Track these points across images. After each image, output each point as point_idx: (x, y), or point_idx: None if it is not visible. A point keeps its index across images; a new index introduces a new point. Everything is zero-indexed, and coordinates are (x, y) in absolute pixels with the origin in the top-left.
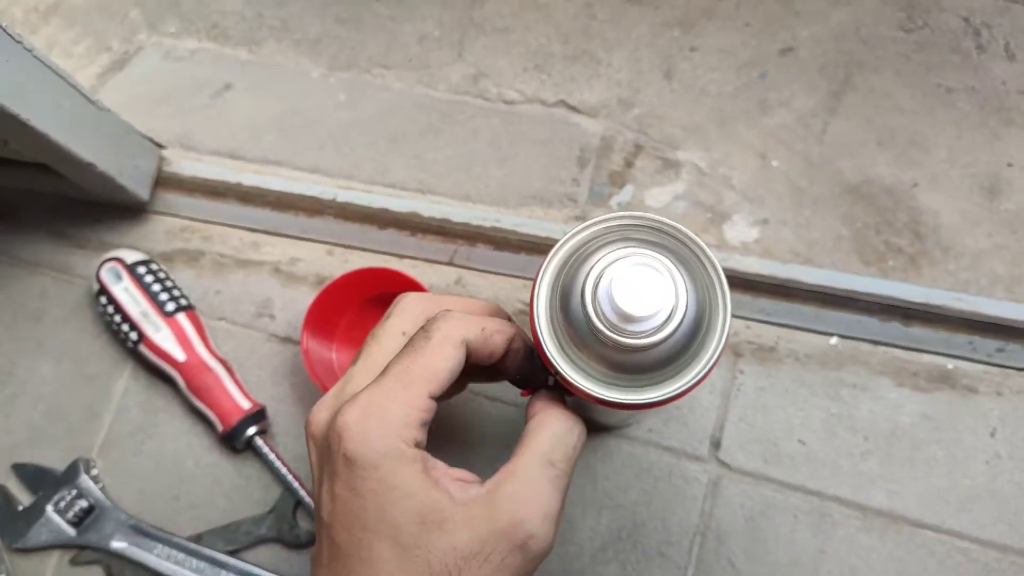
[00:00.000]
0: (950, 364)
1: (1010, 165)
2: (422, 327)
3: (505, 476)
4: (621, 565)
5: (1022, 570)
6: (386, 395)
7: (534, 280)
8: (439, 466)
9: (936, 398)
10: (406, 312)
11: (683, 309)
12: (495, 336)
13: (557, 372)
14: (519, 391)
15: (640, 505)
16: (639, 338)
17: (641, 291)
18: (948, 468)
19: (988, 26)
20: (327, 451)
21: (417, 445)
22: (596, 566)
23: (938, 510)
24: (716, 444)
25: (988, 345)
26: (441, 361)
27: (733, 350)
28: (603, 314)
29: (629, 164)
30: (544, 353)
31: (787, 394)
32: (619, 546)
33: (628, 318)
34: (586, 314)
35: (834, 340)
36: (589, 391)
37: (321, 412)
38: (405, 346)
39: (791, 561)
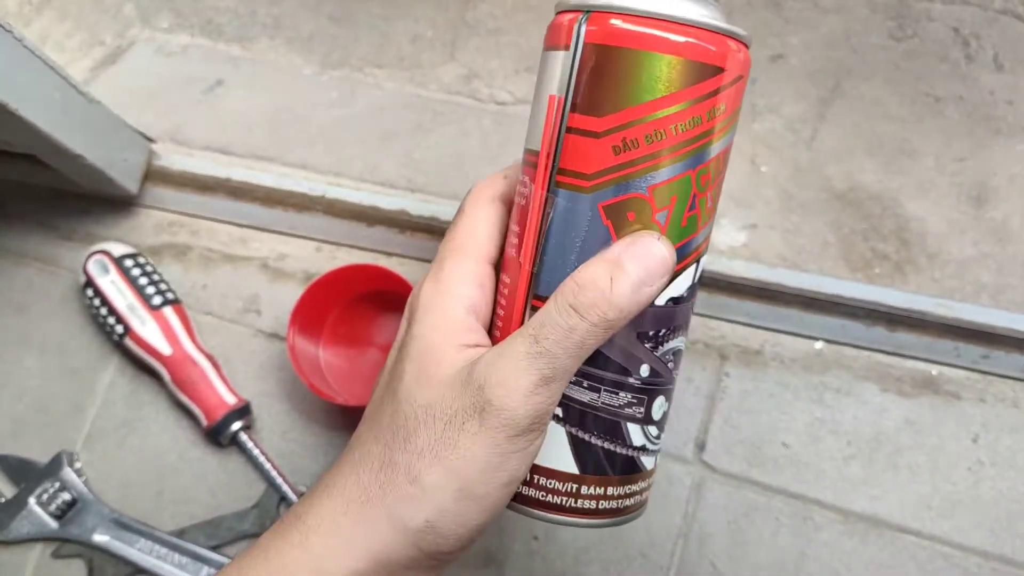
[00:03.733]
0: (934, 370)
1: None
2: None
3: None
4: (603, 566)
5: None
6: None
7: None
8: (477, 336)
9: (920, 403)
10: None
11: None
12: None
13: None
14: None
15: None
16: None
17: None
18: (931, 473)
19: (977, 36)
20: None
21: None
22: (578, 567)
23: (920, 515)
24: (701, 446)
25: (972, 352)
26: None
27: (719, 353)
28: None
29: None
30: None
31: (772, 397)
32: (601, 547)
33: None
34: None
35: (819, 344)
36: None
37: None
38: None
39: (773, 564)
